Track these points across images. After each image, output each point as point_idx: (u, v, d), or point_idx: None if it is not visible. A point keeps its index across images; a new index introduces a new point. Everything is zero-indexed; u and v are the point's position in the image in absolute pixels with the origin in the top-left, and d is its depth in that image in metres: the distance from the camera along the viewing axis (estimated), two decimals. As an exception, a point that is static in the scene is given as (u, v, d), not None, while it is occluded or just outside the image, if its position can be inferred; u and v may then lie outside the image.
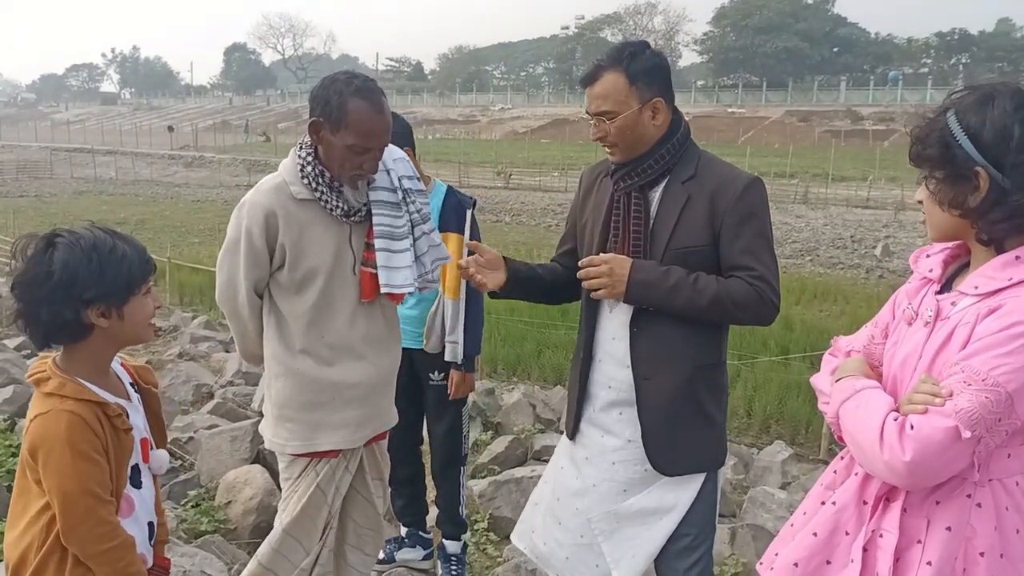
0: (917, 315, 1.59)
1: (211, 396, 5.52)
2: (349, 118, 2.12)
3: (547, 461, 4.83)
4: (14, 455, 3.85)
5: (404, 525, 3.52)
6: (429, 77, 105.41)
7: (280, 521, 2.38)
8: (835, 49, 73.39)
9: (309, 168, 2.23)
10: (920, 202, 1.60)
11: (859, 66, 72.86)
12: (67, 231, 1.70)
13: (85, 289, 1.64)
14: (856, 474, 1.62)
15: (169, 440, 4.46)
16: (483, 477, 4.36)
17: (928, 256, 1.67)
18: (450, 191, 3.12)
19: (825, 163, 32.92)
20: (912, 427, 1.40)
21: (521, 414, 5.37)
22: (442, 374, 3.18)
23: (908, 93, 61.55)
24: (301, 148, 2.27)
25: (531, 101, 78.55)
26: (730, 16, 74.98)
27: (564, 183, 29.59)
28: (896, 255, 17.52)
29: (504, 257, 2.34)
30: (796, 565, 1.64)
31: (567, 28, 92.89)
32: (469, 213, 3.06)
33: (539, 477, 4.18)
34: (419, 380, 3.24)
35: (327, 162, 2.22)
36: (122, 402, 1.79)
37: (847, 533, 1.60)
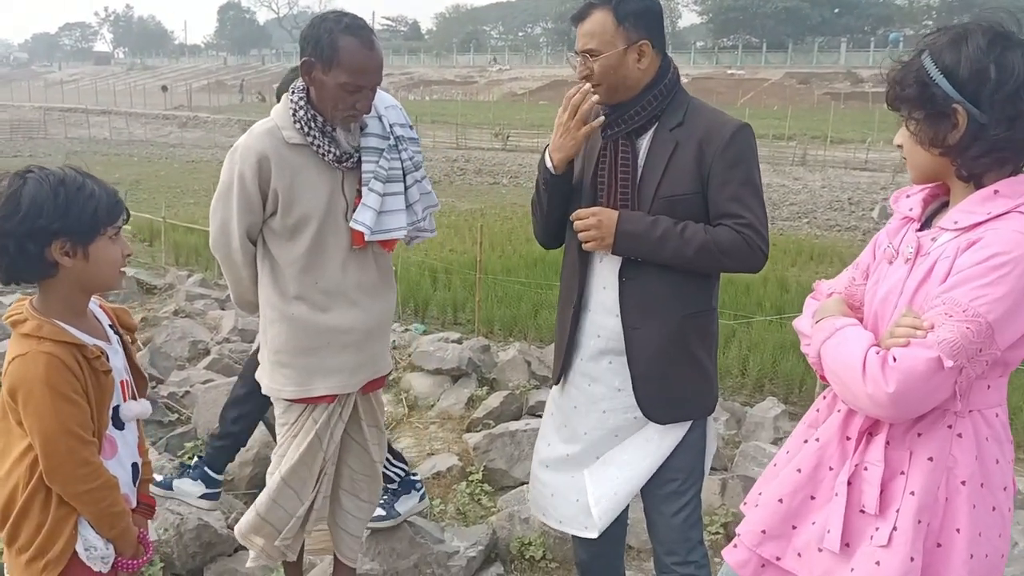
0: (898, 253, 1.62)
1: (207, 352, 5.54)
2: (340, 55, 2.11)
3: (540, 416, 4.90)
4: None
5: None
6: (426, 37, 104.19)
7: (279, 470, 2.41)
8: (836, 10, 72.57)
9: (301, 112, 2.22)
10: (900, 146, 1.63)
11: (860, 27, 72.12)
12: (38, 167, 1.69)
13: (50, 222, 1.63)
14: (839, 411, 1.65)
15: (165, 394, 4.51)
16: (478, 431, 4.40)
17: (908, 196, 1.70)
18: None
19: (824, 125, 32.71)
20: (895, 359, 1.43)
21: (516, 371, 5.41)
22: None
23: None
24: (293, 92, 2.26)
25: (529, 62, 77.73)
26: (731, -24, 73.95)
27: (561, 145, 29.36)
28: (893, 217, 17.47)
29: None
30: (781, 501, 1.68)
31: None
32: None
33: (533, 430, 4.26)
34: None
35: (319, 104, 2.21)
36: (101, 343, 1.79)
37: (831, 468, 1.63)
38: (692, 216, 2.10)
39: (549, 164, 2.21)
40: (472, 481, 3.85)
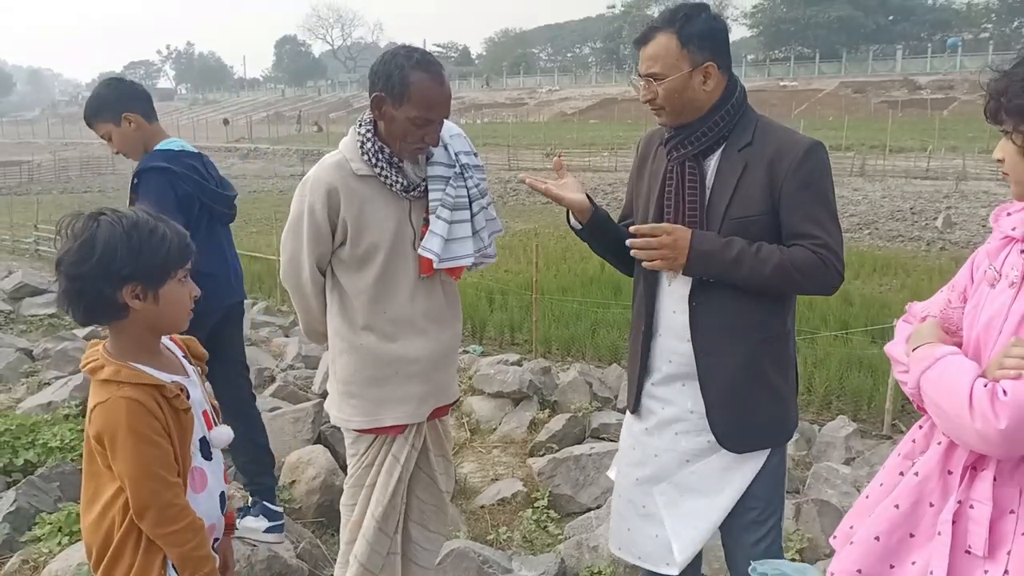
0: (1000, 275, 1.52)
1: (272, 380, 5.63)
2: (411, 90, 2.14)
3: (605, 439, 4.85)
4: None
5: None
6: (476, 61, 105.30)
7: (370, 512, 2.39)
8: (890, 17, 71.09)
9: (369, 144, 2.25)
10: (1000, 160, 1.53)
11: (916, 34, 70.46)
12: (111, 210, 1.71)
13: (123, 267, 1.65)
14: (939, 443, 1.56)
15: (234, 422, 4.58)
16: (541, 455, 4.37)
17: (1010, 214, 1.59)
18: (152, 154, 3.04)
19: (882, 134, 32.00)
20: (1005, 393, 1.34)
21: (578, 392, 5.37)
22: None
23: (968, 60, 59.26)
24: (361, 125, 2.29)
25: (578, 82, 77.90)
26: (780, -13, 73.14)
27: (613, 163, 29.33)
28: (958, 226, 16.98)
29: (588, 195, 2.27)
30: (877, 539, 1.58)
31: (613, 7, 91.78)
32: (135, 182, 3.00)
33: (597, 454, 4.21)
34: None
35: (388, 137, 2.24)
36: (179, 379, 1.80)
37: (931, 505, 1.54)
38: (764, 238, 2.05)
39: (573, 222, 2.26)
40: (538, 508, 3.81)
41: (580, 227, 2.26)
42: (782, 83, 62.07)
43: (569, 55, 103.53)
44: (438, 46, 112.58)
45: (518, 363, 5.88)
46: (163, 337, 1.87)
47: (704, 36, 2.05)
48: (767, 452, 2.16)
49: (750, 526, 2.16)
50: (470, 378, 5.62)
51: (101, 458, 1.72)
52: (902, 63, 62.63)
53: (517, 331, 9.28)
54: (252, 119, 60.65)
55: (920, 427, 1.66)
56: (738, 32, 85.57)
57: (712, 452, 2.17)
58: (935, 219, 17.55)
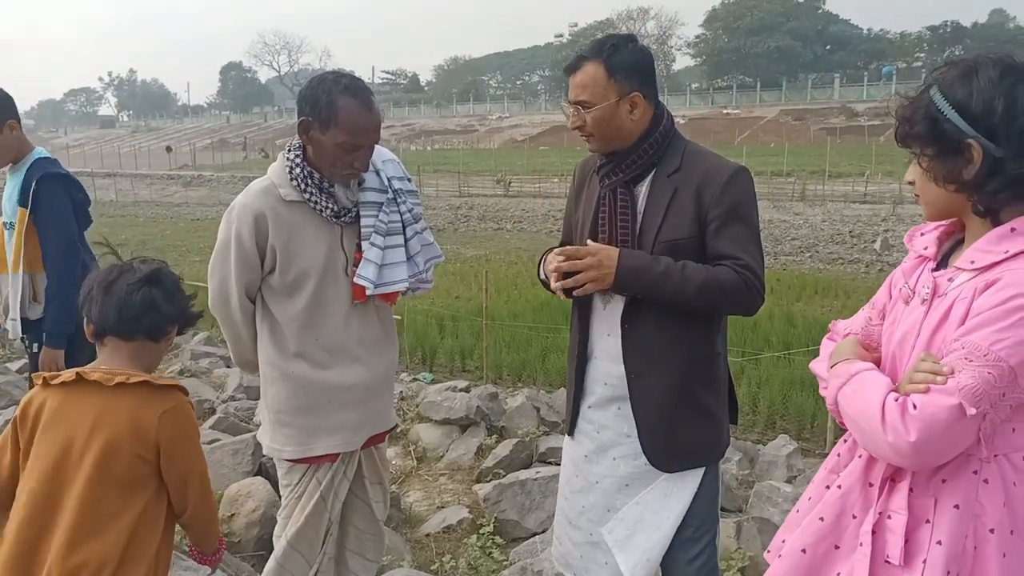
0: (914, 293, 1.57)
1: (213, 411, 5.50)
2: (339, 116, 2.13)
3: (552, 463, 4.85)
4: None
5: None
6: (425, 88, 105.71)
7: (284, 534, 2.37)
8: (828, 47, 73.61)
9: (298, 170, 2.23)
10: (911, 182, 1.58)
11: (852, 63, 72.97)
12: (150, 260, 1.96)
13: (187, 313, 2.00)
14: (860, 456, 1.59)
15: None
16: (488, 481, 4.34)
17: (922, 234, 1.65)
18: (33, 164, 3.16)
19: (821, 160, 32.91)
20: (915, 407, 1.38)
21: (525, 417, 5.36)
22: (29, 343, 3.22)
23: (902, 88, 60.79)
24: (290, 150, 2.28)
25: (528, 109, 78.72)
26: (722, 18, 75.28)
27: (563, 189, 29.54)
28: (895, 248, 17.49)
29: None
30: (804, 551, 1.61)
31: (561, 36, 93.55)
32: (32, 187, 3.07)
33: (543, 478, 4.20)
34: None
35: (317, 162, 2.22)
36: None
37: (854, 516, 1.57)
38: (692, 259, 2.08)
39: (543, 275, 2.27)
40: (483, 534, 3.78)
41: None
42: (725, 111, 63.60)
43: (519, 82, 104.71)
44: (387, 73, 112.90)
45: (466, 389, 5.86)
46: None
47: (630, 67, 2.10)
48: (702, 471, 2.19)
49: (685, 544, 2.18)
50: (417, 406, 5.58)
51: (141, 467, 1.78)
52: (840, 91, 64.77)
53: (468, 357, 9.23)
54: (196, 146, 59.86)
55: (845, 441, 1.71)
56: (682, 62, 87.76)
57: (650, 477, 2.19)
58: (873, 242, 18.06)
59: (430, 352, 9.42)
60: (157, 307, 1.84)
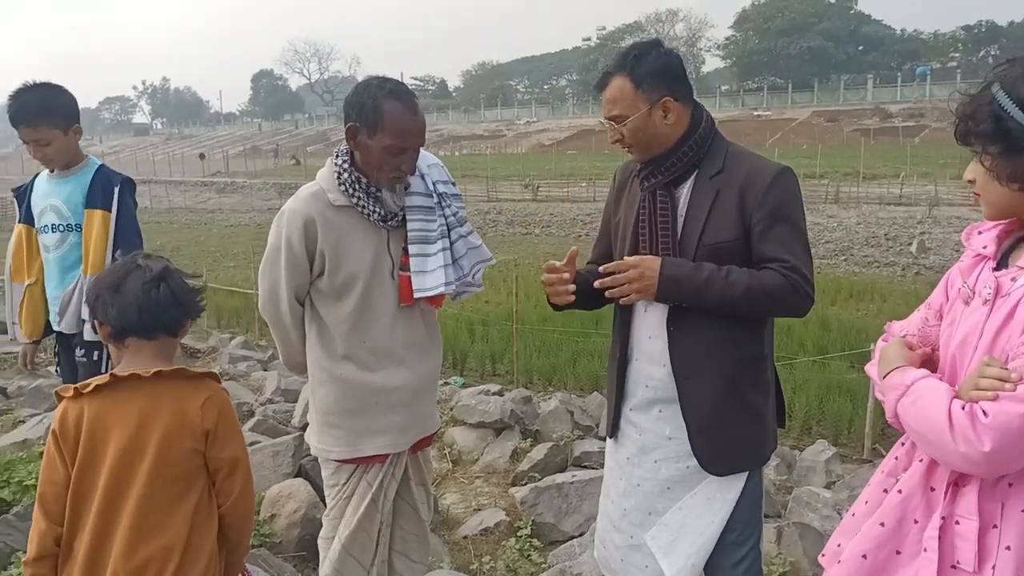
0: (974, 293, 1.54)
1: (252, 414, 5.58)
2: (385, 119, 2.17)
3: (587, 467, 4.85)
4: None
5: None
6: (454, 94, 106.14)
7: (337, 536, 2.38)
8: (860, 47, 72.72)
9: (346, 175, 2.27)
10: (972, 181, 1.56)
11: (886, 63, 72.01)
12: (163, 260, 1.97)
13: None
14: (920, 460, 1.57)
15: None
16: (524, 484, 4.35)
17: (981, 233, 1.63)
18: (101, 168, 3.18)
19: (855, 162, 32.53)
20: (986, 414, 1.35)
21: (559, 421, 5.36)
22: (83, 351, 3.15)
23: (937, 88, 60.68)
24: (338, 156, 2.32)
25: (556, 113, 78.72)
26: (752, 19, 74.65)
27: (592, 193, 29.56)
28: (932, 251, 17.24)
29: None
30: (865, 557, 1.59)
31: (589, 40, 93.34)
32: (116, 190, 3.09)
33: (580, 482, 4.21)
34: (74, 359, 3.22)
35: (364, 167, 2.26)
36: None
37: (916, 521, 1.55)
38: (736, 263, 2.08)
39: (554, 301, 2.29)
40: (521, 537, 3.79)
41: (559, 307, 2.31)
42: (756, 113, 63.07)
43: (546, 87, 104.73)
44: (416, 79, 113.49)
45: (499, 393, 5.88)
46: None
47: (656, 73, 2.10)
48: (746, 475, 2.18)
49: (729, 548, 2.17)
50: (451, 409, 5.60)
51: (195, 459, 1.82)
52: (873, 92, 63.94)
53: (498, 361, 9.26)
54: (228, 153, 60.61)
55: (902, 444, 1.68)
56: (711, 64, 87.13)
57: (693, 480, 2.19)
58: (909, 245, 17.80)
59: (460, 356, 9.46)
60: (177, 303, 1.86)
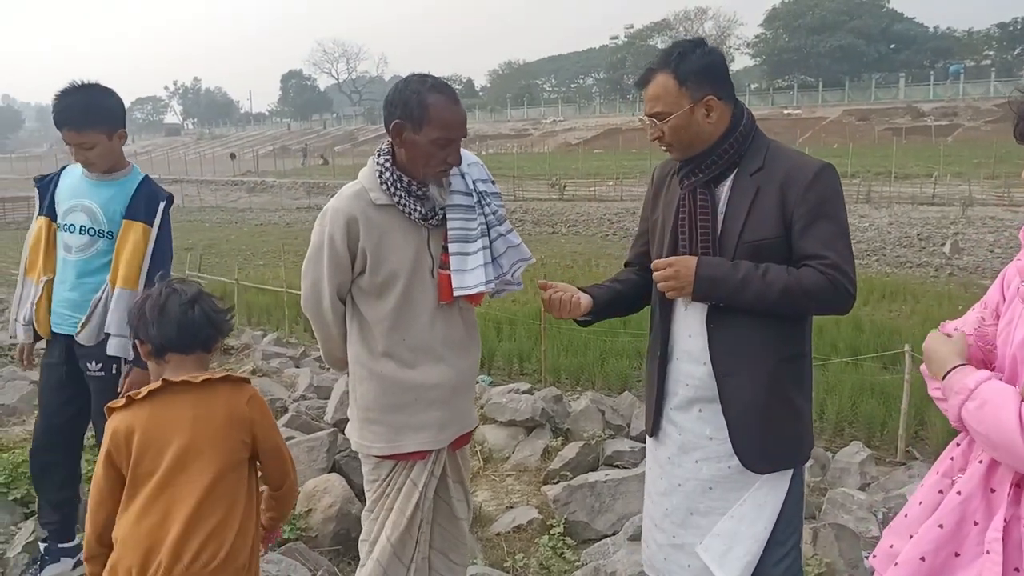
0: None
1: (285, 410, 5.64)
2: (431, 113, 2.20)
3: (618, 466, 4.85)
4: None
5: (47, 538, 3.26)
6: (480, 93, 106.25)
7: (385, 534, 2.38)
8: (892, 45, 71.69)
9: (388, 174, 2.29)
10: None
11: (918, 62, 70.94)
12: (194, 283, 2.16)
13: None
14: (980, 462, 1.55)
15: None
16: (556, 483, 4.36)
17: None
18: (146, 180, 3.10)
19: (887, 161, 32.11)
20: None
21: (590, 420, 5.37)
22: (99, 364, 3.03)
23: (971, 87, 59.75)
24: (380, 155, 2.34)
25: (582, 112, 78.52)
26: (782, 17, 73.92)
27: (619, 193, 29.47)
28: (965, 251, 16.98)
29: (582, 288, 2.39)
30: (923, 559, 1.58)
31: (616, 38, 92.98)
32: (161, 206, 3.04)
33: (613, 481, 4.21)
34: (80, 369, 3.10)
35: (410, 164, 2.28)
36: None
37: (976, 523, 1.53)
38: (777, 261, 2.07)
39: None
40: (554, 534, 3.80)
41: (587, 319, 2.39)
42: (786, 111, 62.43)
43: (573, 86, 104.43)
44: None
45: (529, 392, 5.90)
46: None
47: (700, 71, 2.10)
48: (791, 473, 2.17)
49: (772, 546, 2.16)
50: (482, 407, 5.63)
51: (244, 450, 2.03)
52: (905, 91, 63.00)
53: (526, 361, 9.27)
54: (258, 153, 61.21)
55: (958, 444, 1.66)
56: (741, 62, 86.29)
57: (735, 480, 2.17)
58: (942, 245, 17.56)
59: (488, 355, 9.47)
60: (210, 322, 2.06)
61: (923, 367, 1.73)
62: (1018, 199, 22.64)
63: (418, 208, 2.30)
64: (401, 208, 2.30)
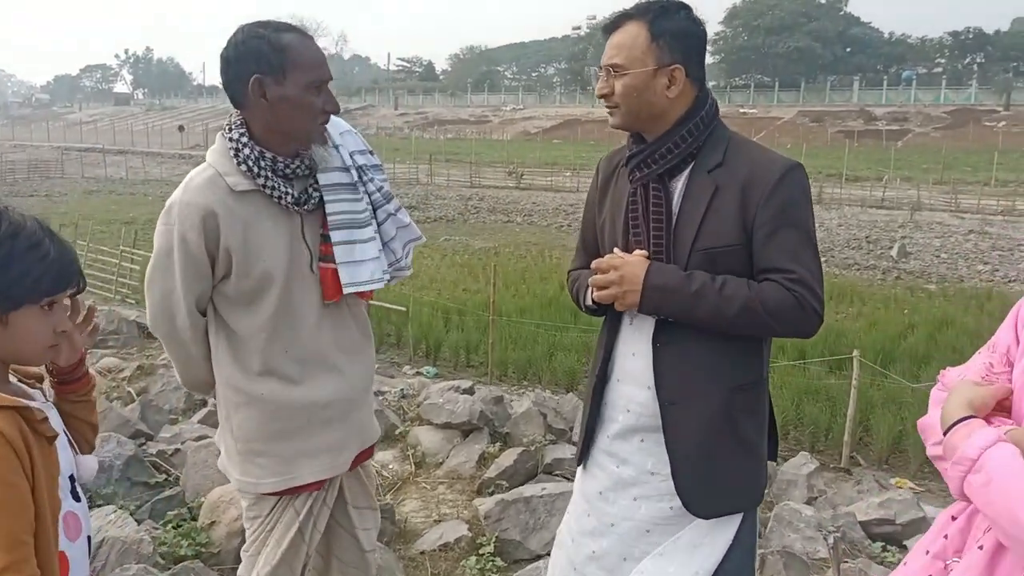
0: None
1: (204, 404, 5.26)
2: (291, 55, 1.81)
3: (559, 476, 4.58)
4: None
5: None
6: (441, 77, 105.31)
7: (257, 573, 2.03)
8: (848, 49, 72.92)
9: (246, 150, 1.87)
10: None
11: (872, 66, 72.30)
12: (4, 209, 1.42)
13: None
14: (981, 547, 1.27)
15: (154, 452, 4.21)
16: (490, 494, 4.07)
17: None
18: None
19: (839, 163, 32.56)
20: None
21: (531, 424, 5.08)
22: None
23: (922, 93, 61.17)
24: (231, 129, 1.91)
25: (543, 101, 78.29)
26: (742, 16, 74.59)
27: (576, 183, 29.30)
28: (913, 255, 17.19)
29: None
30: None
31: (578, 28, 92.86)
32: None
33: (549, 496, 3.93)
34: None
35: (277, 129, 1.88)
36: (37, 404, 1.46)
37: None
38: (735, 271, 1.79)
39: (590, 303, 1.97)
40: (483, 555, 3.51)
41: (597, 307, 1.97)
42: (742, 110, 63.07)
43: (534, 74, 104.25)
44: (403, 60, 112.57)
45: (470, 390, 5.58)
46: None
47: (678, 35, 1.80)
48: (739, 519, 1.89)
49: None
50: (418, 406, 5.31)
51: None
52: (858, 94, 64.23)
53: (473, 352, 9.00)
54: (209, 127, 59.63)
55: (953, 518, 1.37)
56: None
57: (676, 522, 1.88)
58: (890, 248, 17.74)
59: (435, 346, 9.18)
60: None
61: (921, 422, 1.43)
62: (965, 205, 23.09)
63: (289, 191, 1.89)
64: (268, 192, 1.87)
